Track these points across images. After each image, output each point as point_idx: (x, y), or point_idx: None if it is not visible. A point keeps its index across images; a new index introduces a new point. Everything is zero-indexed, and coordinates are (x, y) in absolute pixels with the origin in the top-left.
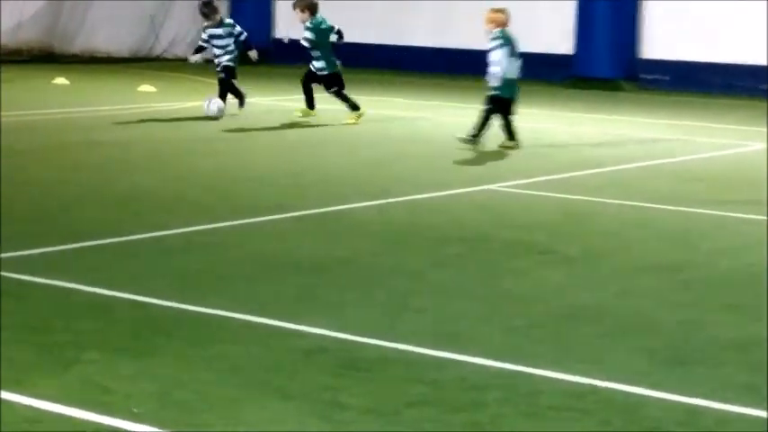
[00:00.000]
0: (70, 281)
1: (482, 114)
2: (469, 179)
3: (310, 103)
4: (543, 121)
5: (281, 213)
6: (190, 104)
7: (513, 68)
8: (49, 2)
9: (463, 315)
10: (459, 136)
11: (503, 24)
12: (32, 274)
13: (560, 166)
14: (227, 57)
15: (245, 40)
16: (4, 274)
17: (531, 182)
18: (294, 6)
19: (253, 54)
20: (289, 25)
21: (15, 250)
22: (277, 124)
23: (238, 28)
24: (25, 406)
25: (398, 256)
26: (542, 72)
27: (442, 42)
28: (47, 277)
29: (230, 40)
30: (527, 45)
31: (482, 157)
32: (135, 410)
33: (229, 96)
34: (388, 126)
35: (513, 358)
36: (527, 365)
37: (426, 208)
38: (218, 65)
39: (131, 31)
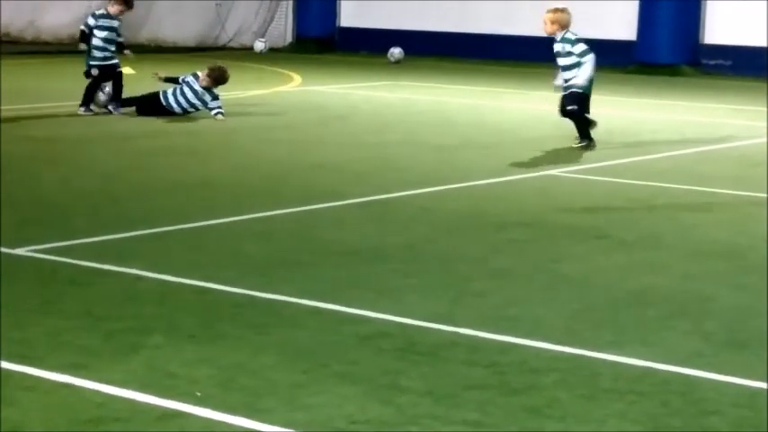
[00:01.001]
0: (137, 267)
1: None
2: (530, 165)
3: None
4: (604, 107)
5: (343, 200)
6: (253, 93)
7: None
8: None
9: (523, 299)
10: (576, 144)
11: (567, 25)
12: (100, 261)
13: (621, 152)
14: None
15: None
16: (72, 261)
17: (592, 167)
18: None
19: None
20: (353, 13)
21: (83, 237)
22: (339, 111)
23: None
24: (93, 390)
25: (459, 241)
26: (604, 58)
27: (506, 30)
28: (114, 264)
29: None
30: (590, 31)
31: (542, 143)
32: (198, 394)
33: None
34: (452, 112)
35: (572, 342)
36: (585, 349)
37: (487, 194)
38: None
39: (197, 21)
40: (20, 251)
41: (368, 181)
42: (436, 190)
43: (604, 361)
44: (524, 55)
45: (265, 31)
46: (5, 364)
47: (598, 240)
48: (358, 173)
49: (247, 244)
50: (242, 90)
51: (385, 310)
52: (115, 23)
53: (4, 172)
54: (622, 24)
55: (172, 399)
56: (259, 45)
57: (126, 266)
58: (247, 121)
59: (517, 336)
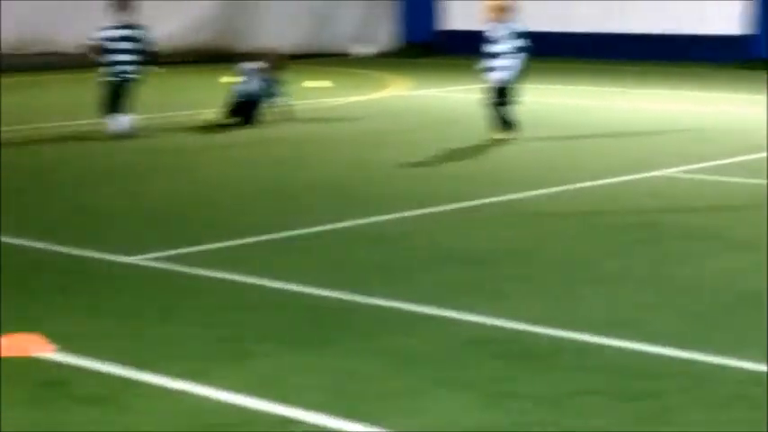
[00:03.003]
0: (244, 275)
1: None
2: (640, 165)
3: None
4: (712, 104)
5: (455, 203)
6: (355, 99)
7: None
8: (218, 2)
9: (636, 302)
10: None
11: (506, 13)
12: (208, 268)
13: (733, 150)
14: None
15: None
16: (185, 269)
17: (703, 166)
18: None
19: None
20: (455, 16)
21: (192, 245)
22: (446, 115)
23: None
24: (203, 397)
25: (571, 244)
26: (713, 54)
27: (608, 28)
28: (222, 271)
29: None
30: (699, 27)
31: (651, 143)
32: (310, 400)
33: None
34: (558, 113)
35: (688, 345)
36: (701, 353)
37: (598, 195)
38: None
39: (299, 28)
40: (133, 260)
41: (479, 184)
42: (547, 192)
43: (721, 365)
44: (624, 53)
45: (367, 35)
46: (121, 371)
47: (714, 241)
48: (469, 176)
49: (353, 250)
50: (343, 96)
51: (496, 315)
52: None
53: (116, 182)
54: (732, 19)
55: (284, 404)
56: (361, 50)
57: (237, 274)
58: (351, 126)
59: (631, 339)
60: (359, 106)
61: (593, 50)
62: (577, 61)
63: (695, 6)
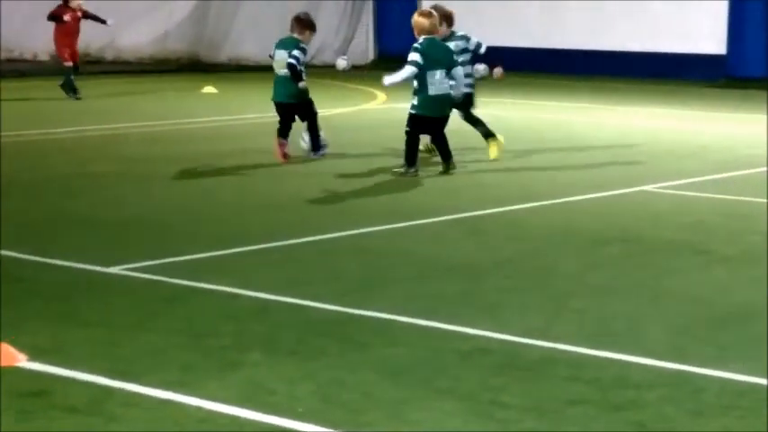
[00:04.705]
0: (233, 285)
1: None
2: (624, 181)
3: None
4: (696, 122)
5: (438, 216)
6: (338, 111)
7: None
8: (196, 11)
9: (623, 315)
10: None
11: (427, 31)
12: (195, 278)
13: (714, 167)
14: None
15: None
16: (167, 279)
17: (686, 182)
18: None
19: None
20: None
21: (177, 256)
22: None
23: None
24: (194, 407)
25: (556, 257)
26: (694, 72)
27: (592, 45)
28: (209, 282)
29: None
30: (679, 46)
31: (634, 159)
32: (300, 410)
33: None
34: (542, 128)
35: (675, 357)
36: (689, 364)
37: (582, 210)
38: None
39: (277, 39)
40: (114, 270)
41: (460, 197)
42: (531, 206)
43: (708, 377)
44: (608, 70)
45: (347, 48)
46: (106, 381)
47: (696, 256)
48: (450, 189)
49: (342, 261)
50: (327, 108)
51: (485, 327)
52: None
53: (97, 191)
54: (711, 38)
55: (274, 414)
56: (341, 63)
57: (222, 284)
58: (336, 138)
59: (618, 351)
60: (341, 119)
61: (577, 67)
62: (561, 77)
63: (676, 25)
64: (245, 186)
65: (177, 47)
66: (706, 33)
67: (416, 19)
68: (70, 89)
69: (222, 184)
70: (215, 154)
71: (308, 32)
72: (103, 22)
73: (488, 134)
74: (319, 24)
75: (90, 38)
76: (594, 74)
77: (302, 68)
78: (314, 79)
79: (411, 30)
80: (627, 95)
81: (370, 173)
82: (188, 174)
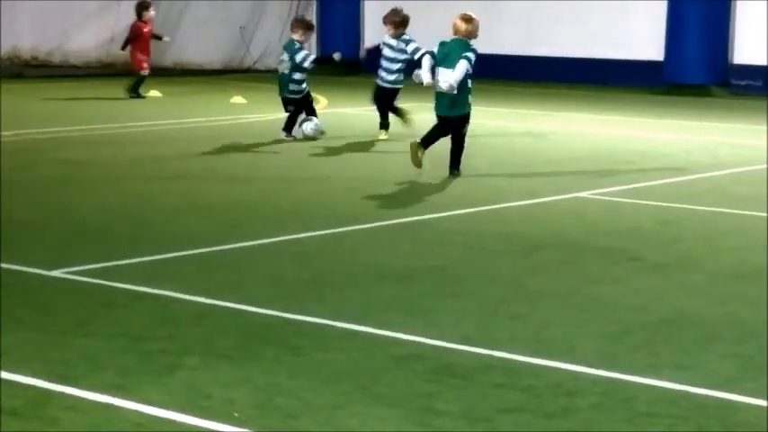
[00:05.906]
0: (172, 289)
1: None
2: (559, 187)
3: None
4: (633, 128)
5: (374, 222)
6: (282, 116)
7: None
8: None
9: (557, 322)
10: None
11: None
12: (135, 283)
13: (651, 174)
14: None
15: None
16: (107, 283)
17: (622, 189)
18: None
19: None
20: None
21: (118, 260)
22: (369, 134)
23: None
24: (132, 411)
25: (490, 264)
26: (633, 79)
27: (532, 51)
28: (149, 286)
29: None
30: (617, 52)
31: (570, 165)
32: (236, 415)
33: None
34: (479, 134)
35: (607, 364)
36: (621, 372)
37: (519, 216)
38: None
39: (222, 44)
40: (55, 273)
41: (394, 203)
42: (466, 212)
43: (640, 384)
44: (547, 76)
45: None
46: (47, 384)
47: (632, 263)
48: (384, 195)
49: (279, 266)
50: (269, 113)
51: (419, 333)
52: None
53: (38, 194)
54: (650, 45)
55: (210, 419)
56: (337, 56)
57: (161, 288)
58: (275, 144)
59: (552, 359)
60: (282, 124)
61: (517, 73)
62: (500, 83)
63: (618, 32)
64: (186, 191)
65: (123, 51)
66: (646, 40)
67: (456, 22)
68: (136, 94)
69: (164, 188)
70: (158, 158)
71: (301, 31)
72: (160, 38)
73: (386, 126)
74: (264, 30)
75: (38, 42)
76: (533, 80)
77: (305, 62)
78: (257, 84)
79: (355, 35)
80: (566, 101)
81: (310, 179)
82: (130, 177)
